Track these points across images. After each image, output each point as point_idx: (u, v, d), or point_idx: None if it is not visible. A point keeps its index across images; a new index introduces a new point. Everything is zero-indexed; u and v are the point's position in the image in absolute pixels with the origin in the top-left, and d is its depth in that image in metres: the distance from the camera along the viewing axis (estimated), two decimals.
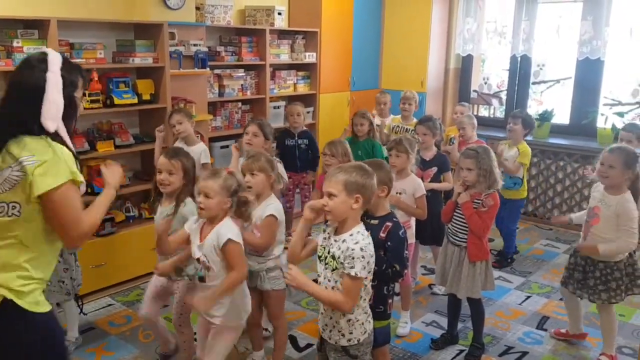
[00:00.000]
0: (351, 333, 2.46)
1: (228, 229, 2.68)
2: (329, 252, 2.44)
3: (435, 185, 4.20)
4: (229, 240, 2.62)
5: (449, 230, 3.55)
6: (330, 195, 2.38)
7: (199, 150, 4.17)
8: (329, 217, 2.44)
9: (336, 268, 2.39)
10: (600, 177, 3.35)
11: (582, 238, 3.46)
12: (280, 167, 3.87)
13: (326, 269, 2.45)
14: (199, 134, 4.88)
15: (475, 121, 5.14)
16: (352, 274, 2.31)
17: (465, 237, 3.42)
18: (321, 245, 2.52)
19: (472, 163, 3.33)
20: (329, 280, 2.43)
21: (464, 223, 3.42)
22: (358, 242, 2.35)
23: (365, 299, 2.49)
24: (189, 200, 3.09)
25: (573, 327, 3.76)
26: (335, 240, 2.43)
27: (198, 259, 2.71)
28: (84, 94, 4.10)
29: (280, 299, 3.28)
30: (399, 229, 2.77)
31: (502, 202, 4.95)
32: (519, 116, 4.98)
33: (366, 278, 2.39)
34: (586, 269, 3.43)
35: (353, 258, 2.32)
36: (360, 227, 2.44)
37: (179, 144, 4.15)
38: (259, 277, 3.17)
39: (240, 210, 2.79)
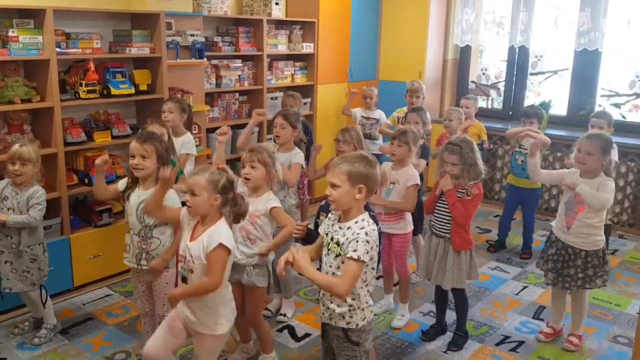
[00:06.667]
0: (351, 317, 2.48)
1: (221, 232, 2.56)
2: (332, 239, 2.47)
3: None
4: (220, 244, 2.51)
5: (432, 223, 3.56)
6: (333, 186, 2.40)
7: (182, 141, 4.12)
8: (333, 207, 2.47)
9: (339, 254, 2.41)
10: (577, 164, 3.41)
11: (565, 227, 3.46)
12: (301, 156, 3.86)
13: (329, 255, 2.47)
14: (195, 125, 4.88)
15: (463, 116, 5.09)
16: (355, 256, 2.33)
17: (449, 227, 3.43)
18: (325, 232, 2.53)
19: (456, 159, 3.34)
20: (330, 266, 2.46)
21: (447, 214, 3.43)
22: (364, 227, 2.39)
23: (364, 288, 2.49)
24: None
25: (558, 322, 3.76)
26: (340, 227, 2.45)
27: (185, 258, 2.61)
28: (81, 84, 4.10)
29: (261, 296, 3.26)
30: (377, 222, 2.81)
31: (519, 192, 5.00)
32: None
33: (367, 265, 2.40)
34: (565, 257, 3.47)
35: (357, 242, 2.34)
36: (365, 216, 2.46)
37: None
38: (245, 271, 3.15)
39: (234, 207, 2.65)
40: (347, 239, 2.39)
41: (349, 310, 2.48)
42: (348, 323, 2.49)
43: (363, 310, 2.50)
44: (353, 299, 2.47)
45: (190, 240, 2.61)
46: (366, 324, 2.52)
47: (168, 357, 2.75)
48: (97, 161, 3.12)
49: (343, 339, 2.52)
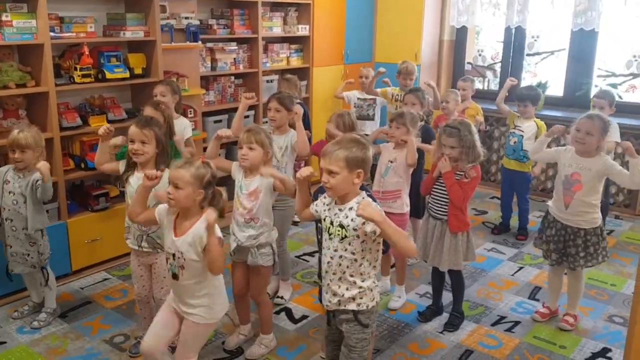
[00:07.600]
0: (361, 298, 2.48)
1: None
2: (332, 223, 2.45)
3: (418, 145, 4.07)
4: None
5: (430, 205, 3.57)
6: (330, 172, 2.37)
7: (182, 125, 4.08)
8: (329, 193, 2.44)
9: (345, 236, 2.40)
10: (576, 143, 3.43)
11: (564, 206, 3.48)
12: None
13: (332, 239, 2.45)
14: (191, 109, 4.86)
15: (460, 98, 5.10)
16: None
17: (446, 209, 3.44)
18: (323, 218, 2.52)
19: (455, 141, 3.33)
20: (336, 250, 2.44)
21: (444, 196, 3.44)
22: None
23: (375, 267, 2.50)
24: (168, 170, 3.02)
25: (554, 302, 3.79)
26: (340, 210, 2.44)
27: (173, 255, 2.57)
28: (76, 68, 4.07)
29: (267, 275, 3.28)
30: (375, 201, 2.79)
31: (511, 175, 5.06)
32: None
33: (374, 240, 2.41)
34: (566, 237, 3.50)
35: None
36: (364, 194, 2.46)
37: None
38: (250, 253, 3.17)
39: (213, 203, 2.60)
40: (352, 219, 2.38)
41: (359, 292, 2.47)
42: (359, 305, 2.48)
43: (372, 290, 2.50)
44: (363, 281, 2.47)
45: (176, 237, 2.57)
46: (375, 304, 2.53)
47: (163, 352, 2.75)
48: (100, 131, 3.14)
49: (353, 322, 2.50)
